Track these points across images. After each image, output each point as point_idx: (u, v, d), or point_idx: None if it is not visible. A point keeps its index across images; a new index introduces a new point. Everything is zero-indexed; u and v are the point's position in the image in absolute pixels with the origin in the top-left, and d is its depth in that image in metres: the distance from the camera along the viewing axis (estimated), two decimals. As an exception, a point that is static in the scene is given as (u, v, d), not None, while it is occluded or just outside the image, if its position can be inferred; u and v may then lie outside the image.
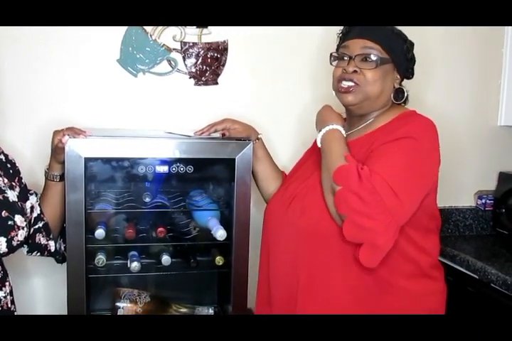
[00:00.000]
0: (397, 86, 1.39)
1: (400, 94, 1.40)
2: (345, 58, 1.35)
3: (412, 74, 1.44)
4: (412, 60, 1.41)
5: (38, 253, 1.51)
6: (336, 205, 1.22)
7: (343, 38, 1.42)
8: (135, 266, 1.57)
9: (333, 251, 1.28)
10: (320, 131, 1.36)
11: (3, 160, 1.43)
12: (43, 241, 1.49)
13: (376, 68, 1.32)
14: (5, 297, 1.36)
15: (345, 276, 1.28)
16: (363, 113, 1.40)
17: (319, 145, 1.35)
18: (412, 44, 1.41)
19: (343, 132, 1.34)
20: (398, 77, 1.39)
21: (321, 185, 1.31)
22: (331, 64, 1.41)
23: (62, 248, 1.56)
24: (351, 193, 1.18)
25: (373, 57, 1.32)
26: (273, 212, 1.47)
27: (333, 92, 1.41)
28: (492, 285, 1.65)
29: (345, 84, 1.34)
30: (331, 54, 1.41)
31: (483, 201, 2.14)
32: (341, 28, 1.44)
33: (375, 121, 1.39)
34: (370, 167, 1.22)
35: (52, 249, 1.51)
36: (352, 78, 1.33)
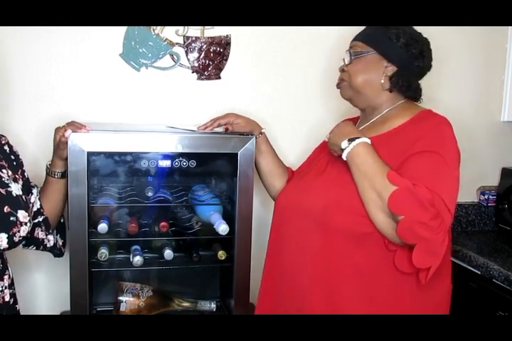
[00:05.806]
0: (389, 74, 1.38)
1: (397, 82, 1.37)
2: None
3: (421, 59, 1.38)
4: (409, 46, 1.36)
5: (34, 248, 1.51)
6: (399, 234, 1.20)
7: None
8: (137, 260, 1.58)
9: (366, 250, 1.28)
10: (348, 142, 1.29)
11: (8, 151, 1.42)
12: (42, 235, 1.48)
13: (354, 60, 1.40)
14: (1, 291, 1.34)
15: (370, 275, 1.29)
16: (363, 106, 1.45)
17: (345, 158, 1.30)
18: (404, 31, 1.37)
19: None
20: (390, 64, 1.37)
21: (341, 182, 1.31)
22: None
23: (60, 243, 1.56)
24: (416, 222, 1.18)
25: (352, 52, 1.41)
26: (287, 202, 1.46)
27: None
28: (494, 280, 1.65)
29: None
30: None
31: (486, 197, 2.14)
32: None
33: (390, 118, 1.39)
34: (421, 182, 1.21)
35: (52, 243, 1.51)
36: (341, 77, 1.46)
